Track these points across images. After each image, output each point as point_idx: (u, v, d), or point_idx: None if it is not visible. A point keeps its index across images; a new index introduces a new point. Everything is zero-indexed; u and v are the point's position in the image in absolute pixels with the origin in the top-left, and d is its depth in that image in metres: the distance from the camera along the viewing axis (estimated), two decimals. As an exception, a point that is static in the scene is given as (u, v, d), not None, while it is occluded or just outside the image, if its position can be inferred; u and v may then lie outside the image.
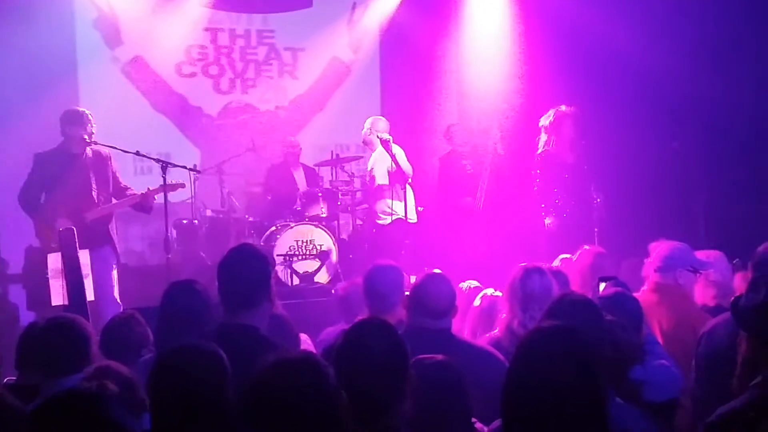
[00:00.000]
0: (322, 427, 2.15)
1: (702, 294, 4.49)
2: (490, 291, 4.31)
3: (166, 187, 6.31)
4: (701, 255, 4.55)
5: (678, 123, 7.83)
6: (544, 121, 7.05)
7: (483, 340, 3.78)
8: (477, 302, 4.26)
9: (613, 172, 7.51)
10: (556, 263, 4.90)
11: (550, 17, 8.41)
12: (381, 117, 8.12)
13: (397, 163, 7.46)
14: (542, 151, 7.06)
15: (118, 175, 6.58)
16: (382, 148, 7.55)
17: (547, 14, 8.46)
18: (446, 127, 8.56)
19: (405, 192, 7.60)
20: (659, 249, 4.42)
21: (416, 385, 2.52)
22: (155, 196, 6.44)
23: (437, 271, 3.72)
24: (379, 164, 7.70)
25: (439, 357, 2.81)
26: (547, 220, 7.00)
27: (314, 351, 3.85)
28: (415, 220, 7.75)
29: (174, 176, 6.57)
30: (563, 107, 7.03)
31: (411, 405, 2.47)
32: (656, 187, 7.94)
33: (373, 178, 7.77)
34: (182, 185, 6.70)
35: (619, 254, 5.61)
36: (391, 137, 7.55)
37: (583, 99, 7.52)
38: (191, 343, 2.59)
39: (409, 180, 7.67)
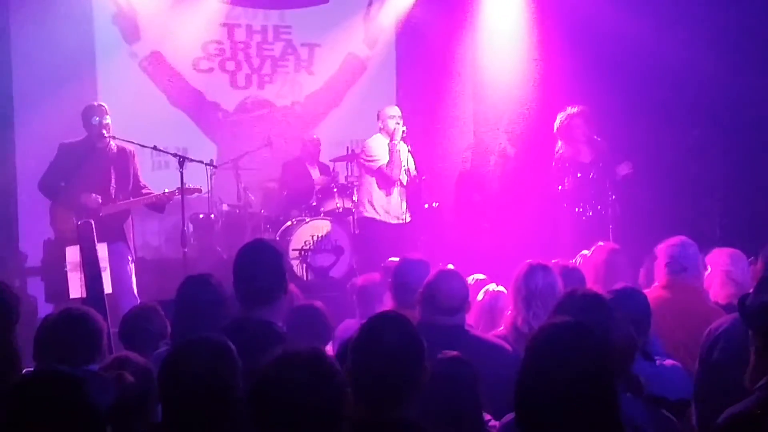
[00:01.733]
0: (322, 422, 2.16)
1: (719, 291, 4.48)
2: (492, 286, 4.30)
3: (183, 191, 6.35)
4: (720, 252, 4.54)
5: (697, 118, 7.78)
6: (555, 125, 7.05)
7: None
8: (480, 297, 4.24)
9: (630, 168, 7.47)
10: (577, 260, 4.89)
11: (566, 12, 8.37)
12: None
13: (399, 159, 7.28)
14: (557, 157, 7.05)
15: (139, 173, 6.63)
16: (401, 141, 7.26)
17: (562, 9, 8.43)
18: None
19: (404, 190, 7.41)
20: (671, 249, 4.40)
21: (430, 380, 2.54)
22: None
23: (450, 267, 3.73)
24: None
25: (453, 353, 2.85)
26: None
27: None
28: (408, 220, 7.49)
29: (191, 171, 6.61)
30: (570, 108, 7.01)
31: (425, 400, 2.49)
32: (672, 184, 7.89)
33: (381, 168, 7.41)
34: (199, 190, 6.76)
35: (634, 251, 5.59)
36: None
37: (601, 94, 7.49)
38: (200, 335, 2.59)
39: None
